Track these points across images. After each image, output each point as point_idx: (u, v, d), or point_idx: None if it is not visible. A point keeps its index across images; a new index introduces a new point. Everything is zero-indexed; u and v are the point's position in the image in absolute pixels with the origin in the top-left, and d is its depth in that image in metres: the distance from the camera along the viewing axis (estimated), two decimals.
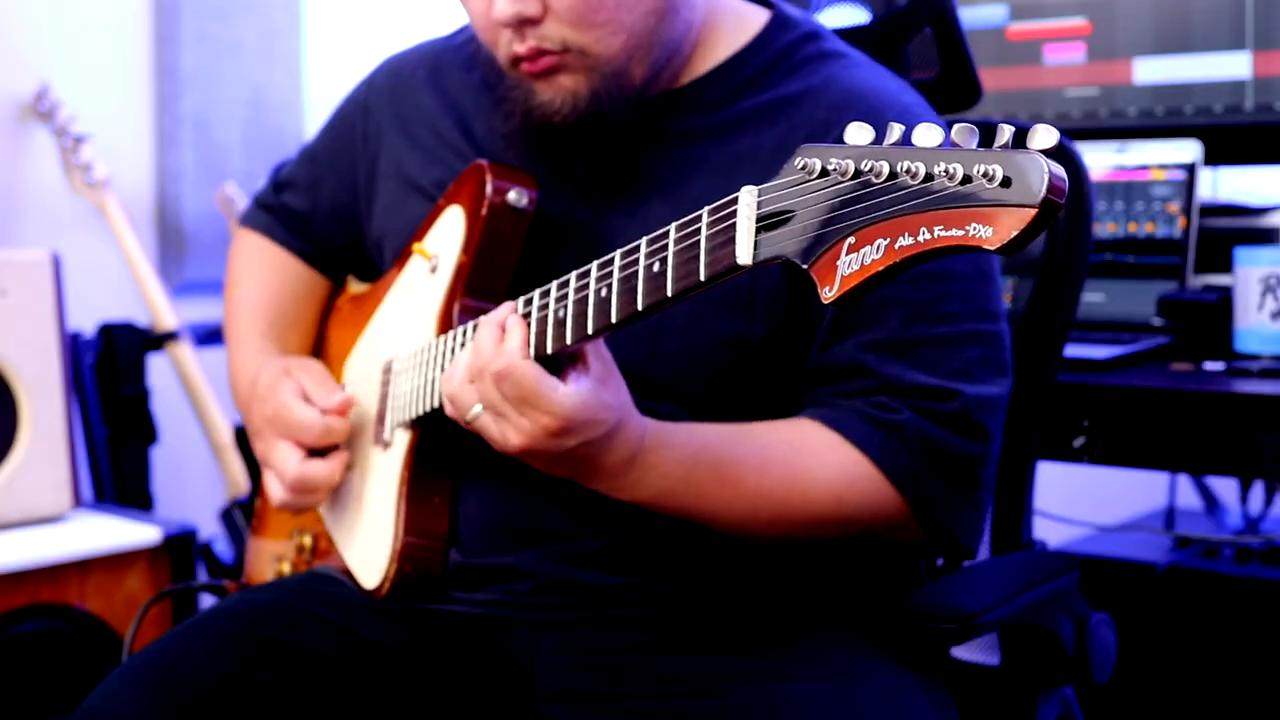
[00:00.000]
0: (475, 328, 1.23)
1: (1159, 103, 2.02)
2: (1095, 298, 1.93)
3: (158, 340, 2.68)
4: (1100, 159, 1.97)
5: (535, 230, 1.35)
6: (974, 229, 0.81)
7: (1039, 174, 0.79)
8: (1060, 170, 0.80)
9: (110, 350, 2.60)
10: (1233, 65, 1.95)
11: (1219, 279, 1.89)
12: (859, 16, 1.68)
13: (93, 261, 2.75)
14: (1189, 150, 1.91)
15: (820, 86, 1.32)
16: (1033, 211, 0.79)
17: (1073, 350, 1.66)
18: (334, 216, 1.58)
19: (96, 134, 2.73)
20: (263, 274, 1.62)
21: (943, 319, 1.25)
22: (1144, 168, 1.94)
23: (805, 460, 1.23)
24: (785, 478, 1.22)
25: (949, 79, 1.62)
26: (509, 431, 1.14)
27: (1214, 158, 1.96)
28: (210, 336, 2.80)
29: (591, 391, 1.12)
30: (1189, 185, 1.90)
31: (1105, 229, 1.95)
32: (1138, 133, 2.01)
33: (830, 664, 1.27)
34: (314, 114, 3.12)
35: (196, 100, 2.92)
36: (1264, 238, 1.95)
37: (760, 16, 1.38)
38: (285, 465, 1.41)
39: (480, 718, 1.34)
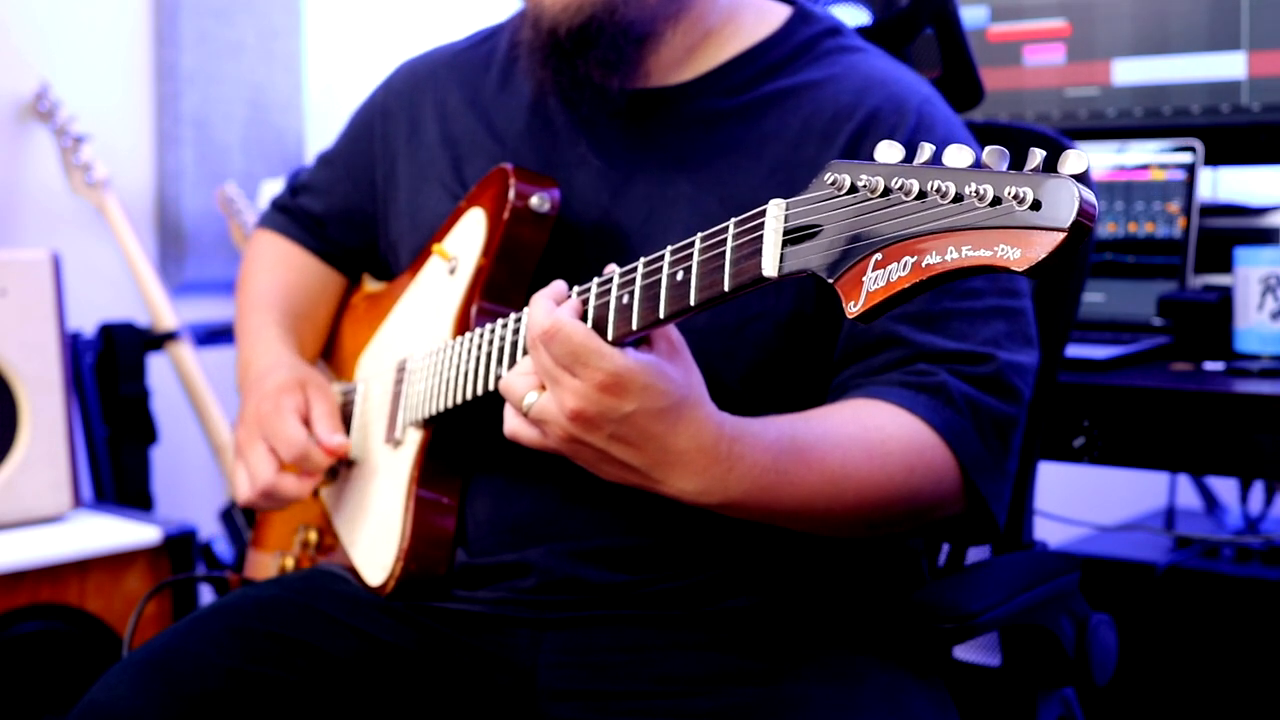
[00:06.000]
0: (504, 326, 1.23)
1: (1138, 103, 2.03)
2: (1095, 298, 1.94)
3: (158, 340, 2.68)
4: (1100, 159, 1.97)
5: (558, 228, 1.36)
6: (1002, 250, 0.82)
7: (1070, 198, 0.80)
8: (1090, 196, 0.80)
9: (110, 350, 2.60)
10: (1225, 65, 1.96)
11: (1219, 279, 1.90)
12: (860, 17, 1.68)
13: (93, 261, 2.75)
14: (1188, 150, 1.91)
15: (843, 74, 1.35)
16: (1062, 235, 0.80)
17: (1073, 350, 1.66)
18: (349, 219, 1.59)
19: (96, 134, 2.73)
20: (278, 269, 1.62)
21: (968, 294, 1.27)
22: (1144, 167, 1.95)
23: (874, 434, 1.20)
24: (864, 453, 1.19)
25: (950, 79, 1.63)
26: (564, 396, 1.09)
27: (1212, 158, 1.97)
28: (210, 336, 2.80)
29: (650, 360, 1.09)
30: (1189, 185, 1.91)
31: (1105, 229, 1.96)
32: (1124, 133, 2.02)
33: (830, 663, 1.27)
34: (314, 114, 3.12)
35: (196, 100, 2.92)
36: (1264, 238, 1.95)
37: (782, 11, 1.41)
38: (259, 470, 1.41)
39: (482, 716, 1.34)
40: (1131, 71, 2.05)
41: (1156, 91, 2.03)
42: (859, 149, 1.31)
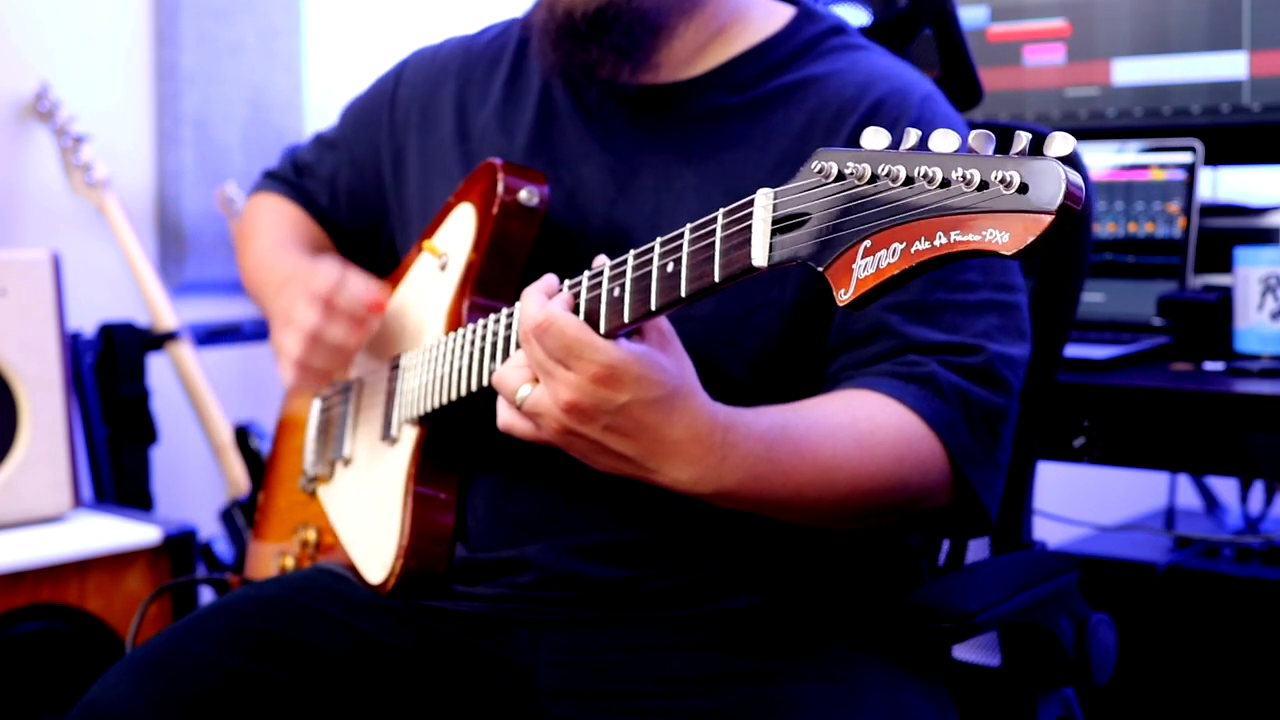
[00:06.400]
0: (496, 321, 1.23)
1: (1138, 103, 2.04)
2: (1095, 298, 1.94)
3: (158, 340, 2.68)
4: (1100, 159, 1.97)
5: (563, 220, 1.35)
6: (990, 234, 0.82)
7: (1056, 181, 0.80)
8: (1077, 178, 0.80)
9: (110, 350, 2.60)
10: (1226, 65, 1.96)
11: (1219, 279, 1.90)
12: (859, 18, 1.68)
13: (93, 261, 2.75)
14: (1188, 150, 1.92)
15: (847, 69, 1.37)
16: (1049, 219, 0.80)
17: (1073, 350, 1.66)
18: (351, 204, 1.59)
19: (96, 134, 2.73)
20: (287, 223, 1.61)
21: (962, 286, 1.27)
22: (1144, 167, 1.95)
23: (863, 424, 1.21)
24: (854, 443, 1.20)
25: (950, 79, 1.63)
26: (559, 389, 1.09)
27: (1212, 158, 1.97)
28: (210, 336, 2.80)
29: (643, 350, 1.08)
30: (1189, 185, 1.91)
31: (1105, 229, 1.96)
32: (1124, 133, 2.02)
33: (830, 663, 1.27)
34: (314, 114, 3.12)
35: (196, 100, 2.92)
36: (1264, 238, 1.95)
37: (787, 11, 1.43)
38: (301, 316, 1.36)
39: (482, 715, 1.34)
40: (1131, 71, 2.05)
41: (1156, 91, 2.03)
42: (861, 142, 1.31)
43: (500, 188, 1.33)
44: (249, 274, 1.62)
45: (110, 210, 2.68)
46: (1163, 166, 1.93)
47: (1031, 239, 0.80)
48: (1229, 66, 1.96)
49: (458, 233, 1.38)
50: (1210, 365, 1.70)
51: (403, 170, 1.52)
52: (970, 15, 2.14)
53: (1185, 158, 1.92)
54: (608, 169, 1.37)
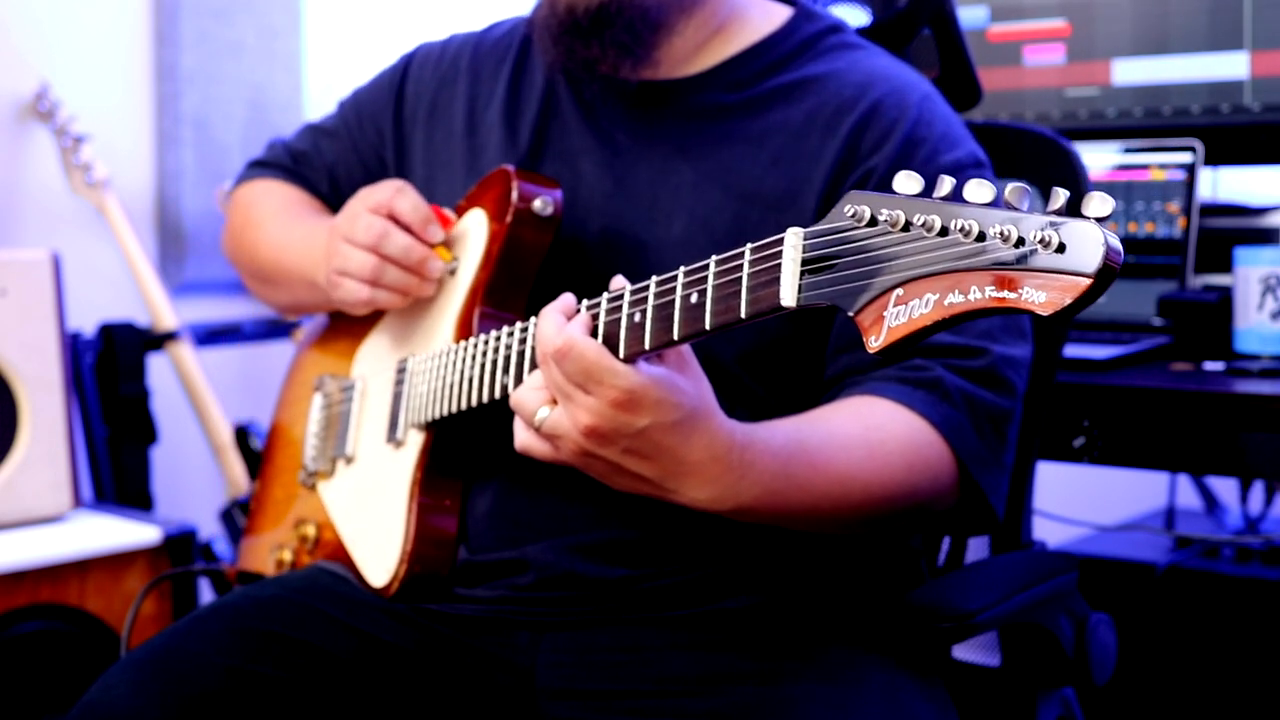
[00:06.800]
0: (509, 335, 1.23)
1: (1138, 103, 2.04)
2: None
3: (158, 340, 2.68)
4: (1100, 159, 1.97)
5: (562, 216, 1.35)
6: (1027, 294, 0.81)
7: (1096, 244, 0.79)
8: (1116, 242, 0.79)
9: (110, 350, 2.60)
10: (1227, 65, 1.96)
11: (1219, 279, 1.90)
12: (859, 18, 1.68)
13: (93, 261, 2.75)
14: (1188, 150, 1.92)
15: (845, 69, 1.37)
16: (1088, 282, 0.79)
17: (1073, 350, 1.66)
18: (352, 193, 1.58)
19: (96, 134, 2.73)
20: (298, 203, 1.60)
21: None
22: (1144, 167, 1.95)
23: (874, 433, 1.21)
24: (866, 453, 1.20)
25: (949, 79, 1.63)
26: (578, 413, 1.09)
27: (1212, 158, 1.97)
28: (210, 336, 2.80)
29: (661, 373, 1.08)
30: (1189, 185, 1.91)
31: None
32: (1124, 133, 2.02)
33: (829, 664, 1.27)
34: (314, 114, 3.12)
35: (196, 100, 2.92)
36: (1264, 238, 1.95)
37: (785, 11, 1.43)
38: (363, 229, 1.35)
39: (482, 715, 1.34)
40: (1131, 71, 2.05)
41: (1156, 91, 2.03)
42: (860, 141, 1.32)
43: (514, 195, 1.32)
44: (268, 253, 1.58)
45: (110, 210, 2.68)
46: (1163, 166, 1.93)
47: (1069, 301, 0.79)
48: (1229, 66, 1.96)
49: (469, 238, 1.37)
50: (1210, 365, 1.70)
51: (406, 163, 1.53)
52: (970, 15, 2.14)
53: (1185, 158, 1.92)
54: (605, 164, 1.38)
